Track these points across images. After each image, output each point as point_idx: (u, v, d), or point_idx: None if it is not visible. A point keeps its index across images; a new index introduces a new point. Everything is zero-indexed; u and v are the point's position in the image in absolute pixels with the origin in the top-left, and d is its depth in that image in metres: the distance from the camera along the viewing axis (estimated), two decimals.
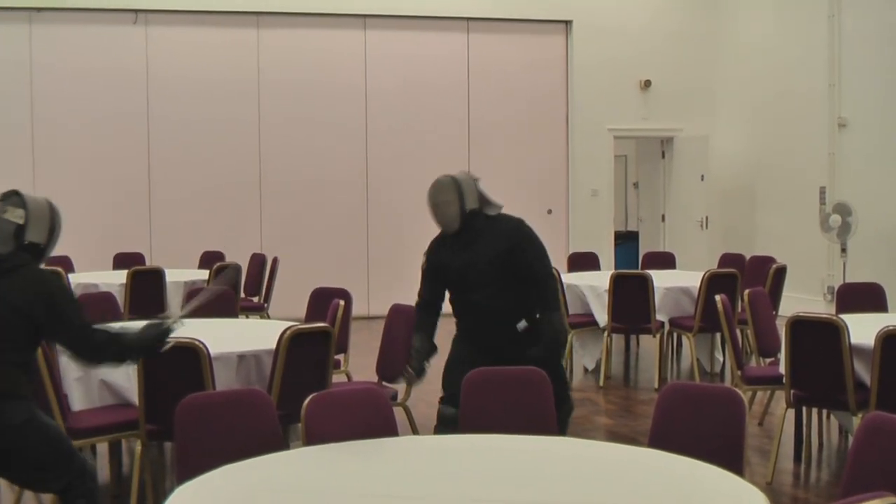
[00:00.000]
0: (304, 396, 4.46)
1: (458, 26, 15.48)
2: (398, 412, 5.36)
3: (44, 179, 14.02)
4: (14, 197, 4.74)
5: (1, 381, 4.50)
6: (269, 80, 14.81)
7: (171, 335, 4.84)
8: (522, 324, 6.24)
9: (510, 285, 6.20)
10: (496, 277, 6.17)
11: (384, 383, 7.13)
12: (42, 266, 4.77)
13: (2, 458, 4.57)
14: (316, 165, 14.96)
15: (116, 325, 4.93)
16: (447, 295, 6.47)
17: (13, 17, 14.01)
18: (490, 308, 6.21)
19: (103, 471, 6.81)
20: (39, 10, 14.06)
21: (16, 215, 4.67)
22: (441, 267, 6.33)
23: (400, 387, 7.06)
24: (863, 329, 6.57)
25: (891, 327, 6.32)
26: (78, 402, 6.10)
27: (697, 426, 4.40)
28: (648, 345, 11.28)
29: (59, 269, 5.00)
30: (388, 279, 14.79)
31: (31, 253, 4.69)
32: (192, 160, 14.56)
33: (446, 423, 6.08)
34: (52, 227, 4.77)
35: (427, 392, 9.31)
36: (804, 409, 7.41)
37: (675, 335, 10.96)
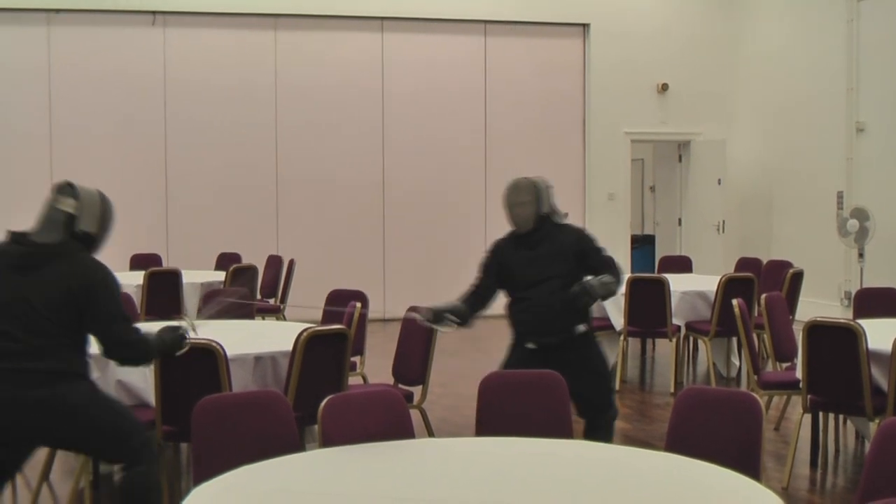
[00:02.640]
0: (321, 398, 4.46)
1: (475, 29, 15.49)
2: (414, 415, 5.36)
3: (61, 179, 14.05)
4: (67, 188, 4.95)
5: (58, 362, 4.66)
6: (287, 82, 14.84)
7: (187, 339, 5.10)
8: (581, 327, 6.33)
9: (570, 285, 6.25)
10: (557, 275, 6.25)
11: (400, 385, 7.13)
12: (94, 256, 4.94)
13: (62, 442, 4.81)
14: (333, 167, 14.98)
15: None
16: (501, 300, 6.56)
17: (31, 18, 14.07)
18: (548, 304, 6.25)
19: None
20: (58, 11, 14.11)
21: (67, 205, 4.87)
22: (503, 263, 6.43)
23: (416, 389, 7.06)
24: (880, 334, 6.55)
25: None
26: None
27: (714, 431, 4.39)
28: (664, 349, 11.25)
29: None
30: (405, 281, 14.80)
31: (83, 242, 4.88)
32: (209, 161, 14.60)
33: None
34: (104, 217, 4.98)
35: (443, 395, 9.32)
36: (821, 414, 7.39)
37: (691, 339, 10.94)
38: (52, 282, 4.68)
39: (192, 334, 5.12)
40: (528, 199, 6.36)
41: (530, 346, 6.35)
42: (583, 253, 6.33)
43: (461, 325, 6.36)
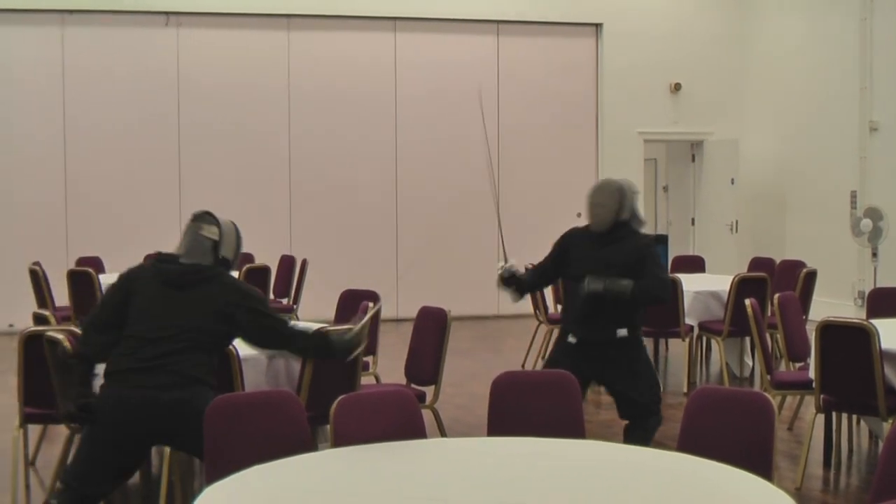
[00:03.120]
0: (333, 398, 4.47)
1: (488, 29, 15.49)
2: (426, 414, 5.37)
3: (75, 180, 14.11)
4: (208, 217, 5.38)
5: (194, 369, 4.99)
6: (300, 82, 14.86)
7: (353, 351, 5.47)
8: (623, 331, 6.39)
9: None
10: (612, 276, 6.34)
11: (412, 385, 7.13)
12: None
13: (188, 443, 4.98)
14: (345, 167, 15.00)
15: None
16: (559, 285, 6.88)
17: (46, 19, 14.11)
18: (595, 302, 6.32)
19: None
20: (72, 12, 14.15)
21: (212, 232, 5.33)
22: (568, 250, 6.59)
23: (429, 389, 7.07)
24: (893, 334, 6.54)
25: None
26: None
27: (726, 430, 4.38)
28: (677, 349, 11.24)
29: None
30: (417, 281, 14.80)
31: (223, 266, 5.33)
32: (222, 161, 14.63)
33: None
34: (238, 246, 5.46)
35: (455, 395, 9.33)
36: (834, 414, 7.38)
37: (704, 339, 10.92)
38: (206, 299, 5.11)
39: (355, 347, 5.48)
40: (608, 202, 6.43)
41: (571, 339, 6.46)
42: (640, 261, 6.38)
43: (518, 295, 6.69)
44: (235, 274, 5.75)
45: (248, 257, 12.34)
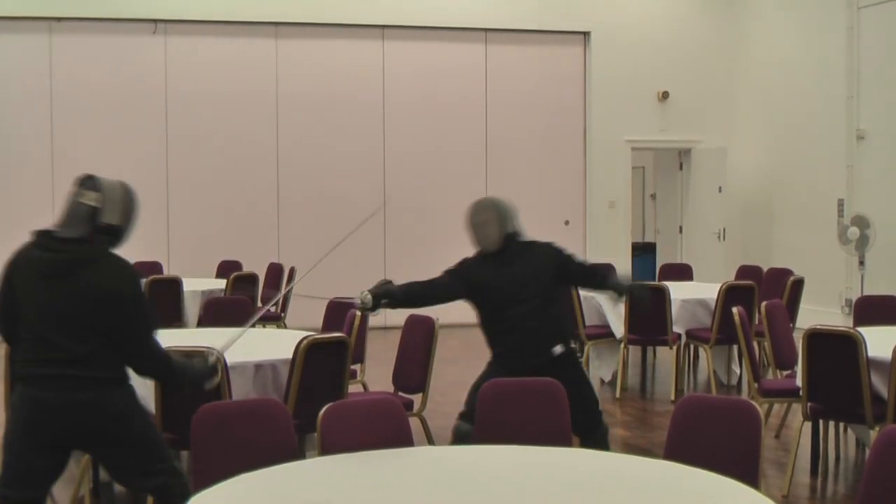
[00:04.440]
0: (321, 406, 4.47)
1: (476, 37, 15.50)
2: (414, 423, 5.36)
3: (63, 187, 14.04)
4: (89, 181, 4.87)
5: (101, 369, 4.61)
6: (288, 90, 14.85)
7: (217, 372, 4.96)
8: (558, 348, 6.20)
9: (547, 304, 6.19)
10: (535, 294, 6.14)
11: (400, 393, 7.13)
12: (119, 254, 4.85)
13: (106, 446, 4.69)
14: (333, 174, 14.98)
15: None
16: (479, 319, 6.43)
17: (33, 26, 14.09)
18: (527, 325, 6.13)
19: None
20: (59, 19, 14.13)
21: (90, 198, 4.77)
22: (476, 283, 6.25)
23: (417, 397, 7.07)
24: (880, 342, 6.55)
25: None
26: None
27: (713, 438, 4.39)
28: (665, 356, 11.25)
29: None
30: None
31: (109, 235, 4.79)
32: (209, 169, 14.60)
33: (462, 440, 6.02)
34: (128, 209, 4.90)
35: (443, 403, 9.32)
36: (821, 421, 7.38)
37: (691, 347, 10.93)
38: (86, 288, 4.60)
39: (219, 365, 5.02)
40: (491, 217, 6.27)
41: (502, 370, 6.15)
42: (564, 263, 6.28)
43: (371, 309, 6.21)
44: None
45: (236, 265, 12.34)
